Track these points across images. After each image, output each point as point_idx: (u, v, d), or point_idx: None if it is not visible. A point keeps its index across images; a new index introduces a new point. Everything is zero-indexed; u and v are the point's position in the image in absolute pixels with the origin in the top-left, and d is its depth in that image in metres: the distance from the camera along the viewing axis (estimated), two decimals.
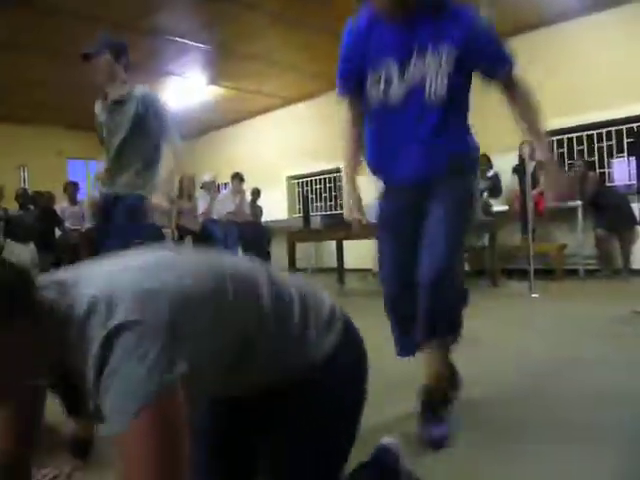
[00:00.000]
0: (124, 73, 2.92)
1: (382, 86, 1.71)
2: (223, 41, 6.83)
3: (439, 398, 1.74)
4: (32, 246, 4.87)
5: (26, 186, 7.76)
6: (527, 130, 1.80)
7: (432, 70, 1.65)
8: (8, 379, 0.79)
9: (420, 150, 1.73)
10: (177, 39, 6.62)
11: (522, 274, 5.60)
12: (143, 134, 2.83)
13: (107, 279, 0.83)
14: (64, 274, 0.88)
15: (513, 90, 1.76)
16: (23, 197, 5.93)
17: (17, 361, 0.78)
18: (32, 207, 5.71)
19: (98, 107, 2.99)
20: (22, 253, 4.73)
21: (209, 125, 11.01)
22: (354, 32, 1.78)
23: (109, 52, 2.85)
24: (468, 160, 1.83)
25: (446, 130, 1.72)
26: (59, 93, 7.97)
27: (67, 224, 5.67)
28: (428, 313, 1.68)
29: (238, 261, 1.06)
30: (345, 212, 1.91)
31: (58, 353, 0.81)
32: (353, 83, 1.82)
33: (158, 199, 2.83)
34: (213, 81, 8.35)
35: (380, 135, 1.82)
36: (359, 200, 1.90)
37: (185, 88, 8.44)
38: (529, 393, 2.15)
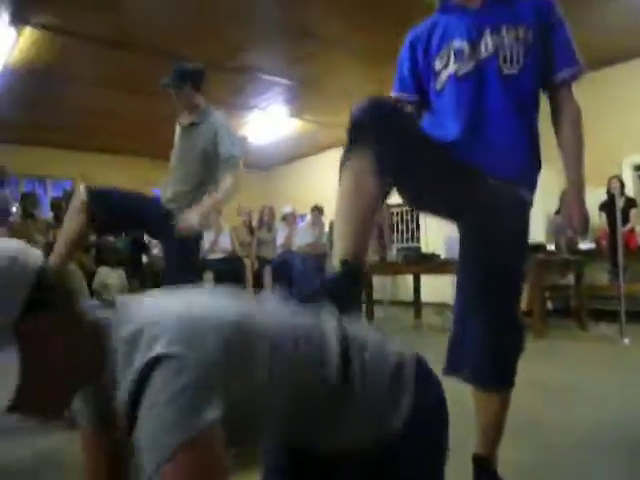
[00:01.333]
0: (201, 97, 3.01)
1: (452, 60, 1.58)
2: (306, 77, 7.04)
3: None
4: (122, 272, 5.13)
5: None
6: (566, 150, 1.61)
7: (507, 43, 1.53)
8: (46, 380, 0.79)
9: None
10: (263, 76, 6.88)
11: (612, 316, 5.30)
12: (207, 161, 2.88)
13: (159, 307, 0.82)
14: (125, 298, 0.89)
15: (566, 103, 1.61)
16: None
17: (56, 362, 0.78)
18: (123, 235, 6.04)
19: (177, 130, 3.09)
20: (112, 278, 4.99)
21: (289, 156, 11.31)
22: (414, 33, 1.72)
23: (188, 83, 2.95)
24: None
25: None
26: (142, 125, 8.44)
27: (155, 251, 5.96)
28: (486, 358, 1.52)
29: (304, 312, 0.99)
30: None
31: (99, 369, 0.81)
32: (413, 79, 1.70)
33: (190, 215, 2.75)
34: (295, 114, 8.59)
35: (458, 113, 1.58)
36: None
37: (268, 121, 8.74)
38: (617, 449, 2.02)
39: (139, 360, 0.74)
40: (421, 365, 1.04)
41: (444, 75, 1.60)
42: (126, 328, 0.79)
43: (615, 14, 5.40)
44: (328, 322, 0.96)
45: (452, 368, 1.60)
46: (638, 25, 5.61)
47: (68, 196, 6.73)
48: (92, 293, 5.03)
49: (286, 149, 10.62)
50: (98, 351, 0.81)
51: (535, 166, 1.61)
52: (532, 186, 1.60)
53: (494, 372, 1.53)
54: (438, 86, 1.62)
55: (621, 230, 4.97)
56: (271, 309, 0.94)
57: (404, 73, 1.73)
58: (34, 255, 0.80)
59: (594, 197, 6.25)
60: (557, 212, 6.27)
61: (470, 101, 1.55)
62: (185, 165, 2.95)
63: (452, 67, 1.58)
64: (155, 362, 0.72)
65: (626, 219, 5.93)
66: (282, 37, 5.81)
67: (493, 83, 1.54)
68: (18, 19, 5.19)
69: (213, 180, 2.90)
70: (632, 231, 6.08)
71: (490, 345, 1.50)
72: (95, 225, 2.65)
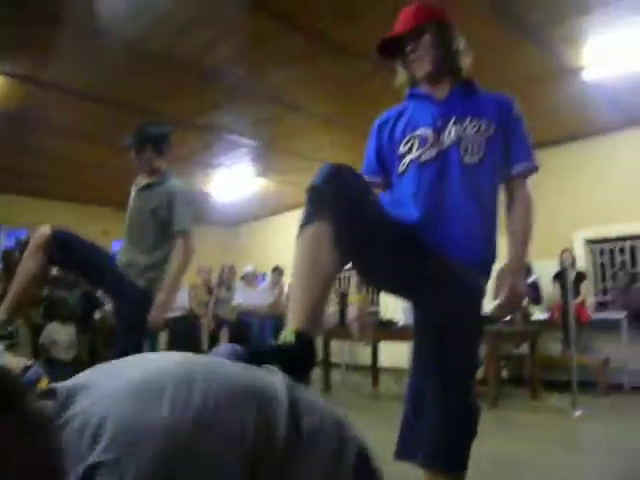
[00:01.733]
0: (163, 161, 2.99)
1: (416, 147, 1.64)
2: (271, 138, 7.19)
3: None
4: (71, 328, 4.97)
5: None
6: (513, 237, 1.65)
7: (469, 134, 1.59)
8: None
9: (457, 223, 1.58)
10: (230, 135, 6.99)
11: (564, 386, 5.37)
12: (161, 223, 2.85)
13: (103, 399, 0.79)
14: (74, 381, 0.86)
15: (519, 192, 1.67)
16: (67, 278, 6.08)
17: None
18: (76, 289, 5.89)
19: (132, 191, 3.06)
20: (61, 334, 4.82)
21: (253, 215, 11.36)
22: (383, 118, 1.79)
23: (149, 146, 2.93)
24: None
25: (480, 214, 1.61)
26: (107, 175, 8.40)
27: (107, 307, 5.80)
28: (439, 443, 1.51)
29: (254, 376, 0.96)
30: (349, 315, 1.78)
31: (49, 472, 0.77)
32: (378, 163, 1.76)
33: (158, 309, 2.75)
34: (260, 173, 8.70)
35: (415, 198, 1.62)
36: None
37: (234, 179, 8.81)
38: None
39: (81, 465, 0.72)
40: (365, 460, 1.01)
41: (407, 160, 1.65)
42: (71, 425, 0.77)
43: (563, 97, 5.74)
44: (279, 390, 0.94)
45: (405, 453, 1.59)
46: (584, 108, 5.96)
47: (22, 246, 6.56)
48: (38, 349, 4.84)
49: (250, 207, 10.67)
50: (45, 454, 0.77)
51: (491, 254, 1.64)
52: (487, 274, 1.63)
53: (447, 457, 1.51)
54: (401, 169, 1.67)
55: (572, 302, 5.11)
56: (219, 375, 0.91)
57: (370, 155, 1.80)
58: None
59: (547, 268, 6.47)
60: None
61: (431, 187, 1.59)
62: (138, 228, 2.92)
63: (415, 153, 1.63)
64: (93, 469, 0.71)
65: (577, 292, 6.12)
66: (249, 100, 5.95)
67: (454, 171, 1.59)
68: None
69: (167, 245, 2.87)
70: (583, 304, 6.27)
71: (443, 430, 1.49)
72: (53, 263, 2.61)
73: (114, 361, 0.94)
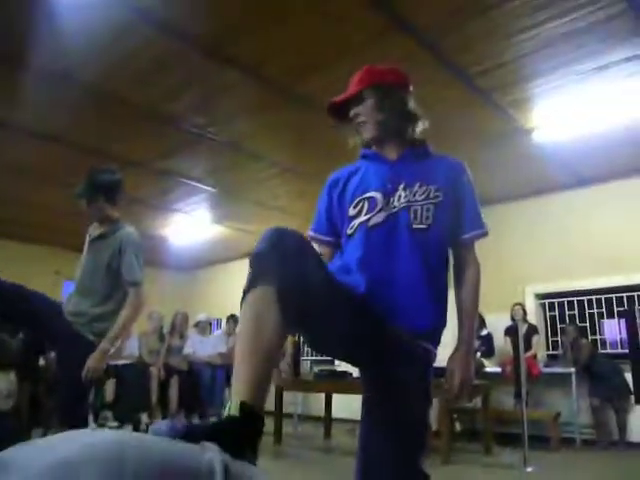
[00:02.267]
0: (114, 210, 2.93)
1: (365, 210, 1.62)
2: (229, 185, 7.20)
3: None
4: (12, 375, 4.73)
5: None
6: (460, 312, 1.65)
7: (418, 199, 1.59)
8: None
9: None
10: (187, 181, 6.97)
11: (516, 439, 5.38)
12: (113, 274, 2.79)
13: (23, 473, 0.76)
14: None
15: (467, 260, 1.67)
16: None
17: None
18: (20, 334, 5.63)
19: (86, 240, 2.98)
20: (0, 382, 4.58)
21: (209, 260, 11.25)
22: (334, 177, 1.78)
23: (101, 195, 2.87)
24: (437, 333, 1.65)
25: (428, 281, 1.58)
26: (60, 216, 8.21)
27: (52, 354, 5.55)
28: None
29: (188, 455, 0.93)
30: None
31: None
32: (328, 222, 1.75)
33: (97, 357, 2.65)
34: (217, 220, 8.66)
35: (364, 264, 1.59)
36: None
37: (191, 224, 8.74)
38: None
39: None
40: None
41: (356, 222, 1.63)
42: None
43: (515, 157, 5.98)
44: (215, 469, 0.90)
45: None
46: (536, 167, 6.23)
47: None
48: None
49: (207, 253, 10.58)
50: None
51: (441, 321, 1.62)
52: (437, 341, 1.61)
53: None
54: (349, 231, 1.65)
55: (524, 356, 5.18)
56: (152, 455, 0.86)
57: (320, 213, 1.77)
58: None
59: (499, 322, 6.58)
60: None
61: (379, 253, 1.57)
62: (89, 278, 2.84)
63: (364, 217, 1.61)
64: None
65: (529, 345, 6.22)
66: (209, 147, 5.97)
67: (402, 236, 1.57)
68: None
69: (119, 294, 2.80)
70: (534, 357, 6.37)
71: None
72: None
73: (40, 439, 0.90)
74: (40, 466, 0.77)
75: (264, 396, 1.22)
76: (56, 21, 3.87)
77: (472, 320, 1.64)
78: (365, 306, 1.50)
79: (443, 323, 1.62)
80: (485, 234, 1.68)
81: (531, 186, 6.83)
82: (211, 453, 0.94)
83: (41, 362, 5.64)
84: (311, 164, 6.19)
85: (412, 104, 1.70)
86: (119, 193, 2.96)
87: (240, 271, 10.97)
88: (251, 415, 1.14)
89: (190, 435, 1.02)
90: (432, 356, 1.60)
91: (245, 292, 1.29)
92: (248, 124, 5.46)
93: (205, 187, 7.19)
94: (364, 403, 1.61)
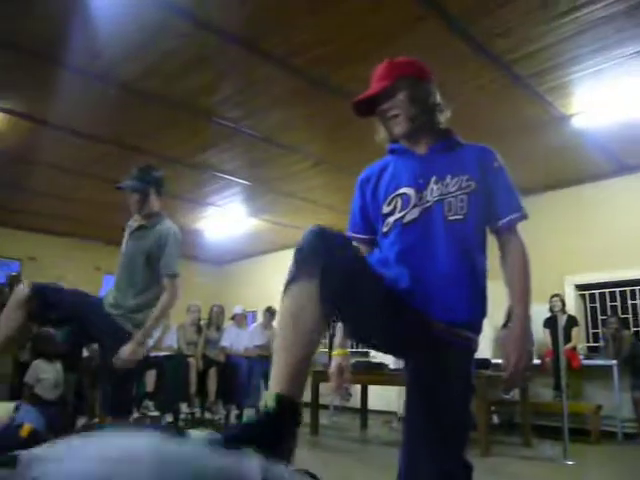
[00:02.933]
0: (157, 202, 3.02)
1: (399, 207, 1.62)
2: (263, 179, 7.25)
3: None
4: (58, 365, 4.87)
5: None
6: (511, 294, 1.61)
7: (451, 191, 1.58)
8: None
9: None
10: (222, 175, 7.04)
11: (555, 432, 5.31)
12: (152, 266, 2.86)
13: (65, 472, 0.80)
14: (38, 453, 0.86)
15: (511, 243, 1.63)
16: None
17: None
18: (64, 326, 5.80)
19: (125, 233, 3.07)
20: (47, 372, 4.73)
21: (244, 254, 11.36)
22: (365, 174, 1.77)
23: (153, 188, 2.98)
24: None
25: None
26: (99, 211, 8.44)
27: (95, 345, 5.70)
28: None
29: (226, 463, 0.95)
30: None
31: None
32: (363, 221, 1.75)
33: (132, 348, 2.72)
34: (252, 213, 8.73)
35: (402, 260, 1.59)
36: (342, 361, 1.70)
37: (225, 218, 8.85)
38: None
39: None
40: None
41: (391, 220, 1.62)
42: None
43: (554, 144, 5.85)
44: (251, 473, 0.92)
45: None
46: (575, 155, 6.08)
47: (12, 280, 6.51)
48: (23, 386, 4.74)
49: (241, 246, 10.68)
50: None
51: (480, 312, 1.60)
52: (477, 330, 1.60)
53: None
54: (385, 229, 1.64)
55: (563, 348, 5.10)
56: (191, 464, 0.89)
57: (355, 213, 1.78)
58: None
59: (537, 313, 6.46)
60: (504, 325, 6.41)
61: (416, 247, 1.57)
62: (128, 269, 2.92)
63: (399, 213, 1.61)
64: None
65: (568, 337, 6.11)
66: (243, 141, 6.01)
67: (439, 229, 1.56)
68: None
69: (156, 286, 2.86)
70: (574, 349, 6.25)
71: None
72: (34, 321, 2.61)
73: (80, 437, 0.93)
74: (80, 466, 0.80)
75: (302, 387, 1.24)
76: (92, 22, 3.95)
77: (524, 302, 1.59)
78: (405, 298, 1.50)
79: (484, 313, 1.61)
80: (523, 217, 1.64)
81: (570, 174, 6.67)
82: (250, 461, 0.95)
83: (84, 353, 5.80)
84: (345, 156, 6.18)
85: (437, 95, 1.69)
86: (161, 186, 3.05)
87: (275, 264, 11.10)
88: (288, 406, 1.16)
89: (229, 441, 1.03)
90: (474, 345, 1.59)
91: (287, 285, 1.31)
92: (282, 116, 5.48)
93: (240, 180, 7.25)
94: (407, 394, 1.61)
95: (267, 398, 1.18)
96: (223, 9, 3.88)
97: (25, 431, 1.79)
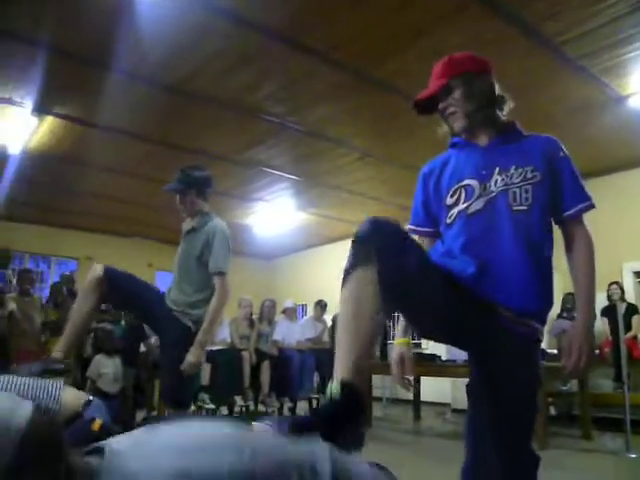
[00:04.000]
0: (205, 203, 3.07)
1: (463, 198, 1.63)
2: (309, 173, 7.29)
3: None
4: (117, 360, 5.05)
5: None
6: (576, 287, 1.59)
7: (516, 182, 1.57)
8: None
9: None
10: (270, 170, 7.12)
11: (615, 423, 5.15)
12: (202, 265, 2.92)
13: (150, 462, 0.81)
14: (121, 441, 0.89)
15: (577, 235, 1.61)
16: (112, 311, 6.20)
17: None
18: (122, 322, 6.01)
19: (182, 233, 3.14)
20: (107, 367, 4.90)
21: (293, 248, 11.45)
22: (428, 168, 1.78)
23: (193, 190, 3.01)
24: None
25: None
26: (151, 210, 8.69)
27: (152, 340, 5.88)
28: None
29: (295, 450, 0.95)
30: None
31: None
32: (426, 214, 1.76)
33: (195, 352, 2.79)
34: (300, 207, 8.79)
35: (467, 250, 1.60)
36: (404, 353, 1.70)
37: (273, 213, 8.95)
38: None
39: None
40: None
41: (455, 211, 1.63)
42: None
43: (611, 126, 5.64)
44: (321, 463, 0.92)
45: None
46: (632, 137, 5.85)
47: (66, 280, 6.77)
48: (85, 380, 4.93)
49: (290, 241, 10.76)
50: None
51: (546, 301, 1.59)
52: (543, 321, 1.59)
53: None
54: (448, 220, 1.65)
55: (623, 337, 4.93)
56: (263, 448, 0.90)
57: (417, 206, 1.79)
58: (19, 413, 0.78)
59: (597, 302, 6.26)
60: (559, 316, 6.26)
61: (481, 238, 1.57)
62: (184, 270, 2.99)
63: (463, 204, 1.62)
64: None
65: (628, 326, 5.90)
66: (289, 136, 6.06)
67: (503, 220, 1.56)
68: (41, 109, 5.45)
69: (209, 285, 2.92)
70: (635, 339, 6.03)
71: None
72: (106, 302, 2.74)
73: (159, 426, 0.96)
74: (162, 455, 0.83)
75: (365, 374, 1.27)
76: (138, 27, 4.05)
77: (588, 293, 1.57)
78: (468, 288, 1.51)
79: (550, 303, 1.60)
80: (590, 207, 1.61)
81: (629, 156, 6.42)
82: (319, 447, 0.96)
83: (142, 348, 5.98)
84: (390, 148, 6.15)
85: (497, 88, 1.68)
86: (209, 187, 3.10)
87: (323, 257, 11.13)
88: (352, 393, 1.17)
89: (296, 429, 1.06)
90: (540, 335, 1.58)
91: (346, 273, 1.33)
92: (327, 110, 5.48)
93: (287, 175, 7.31)
94: (471, 385, 1.62)
95: (332, 386, 1.20)
96: (265, 8, 3.92)
97: (97, 425, 1.87)
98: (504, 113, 1.68)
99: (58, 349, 2.62)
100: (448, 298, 1.46)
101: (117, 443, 0.89)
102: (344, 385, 1.18)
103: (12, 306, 5.59)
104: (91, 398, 2.04)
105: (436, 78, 1.69)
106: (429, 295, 1.42)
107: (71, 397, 2.00)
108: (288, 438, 0.98)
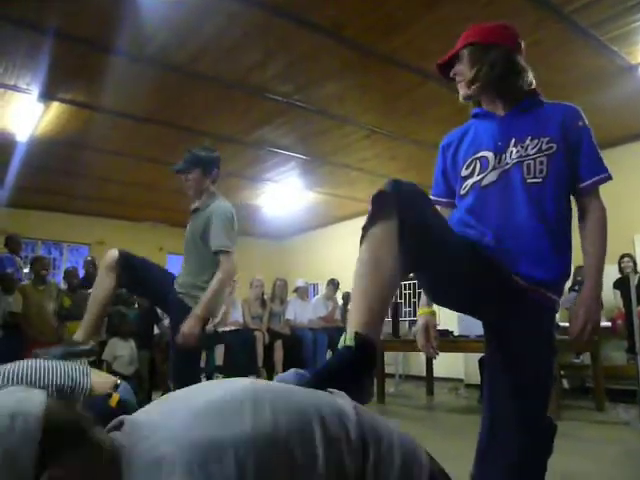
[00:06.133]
0: (212, 184, 3.04)
1: (477, 170, 1.62)
2: (317, 152, 7.25)
3: None
4: (132, 343, 5.11)
5: None
6: (586, 256, 1.58)
7: (531, 153, 1.56)
8: None
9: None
10: (277, 150, 7.09)
11: (628, 395, 5.16)
12: (206, 245, 2.88)
13: (171, 427, 0.80)
14: (140, 415, 0.89)
15: (591, 206, 1.60)
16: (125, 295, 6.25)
17: None
18: (135, 305, 6.06)
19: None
20: (123, 349, 4.97)
21: (303, 228, 11.46)
22: (447, 140, 1.78)
23: (198, 169, 2.98)
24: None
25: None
26: (160, 194, 8.73)
27: (165, 322, 5.93)
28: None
29: (318, 398, 0.95)
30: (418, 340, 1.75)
31: None
32: (445, 185, 1.77)
33: (189, 323, 2.70)
34: (309, 187, 8.77)
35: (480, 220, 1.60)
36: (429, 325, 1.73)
37: (282, 193, 8.94)
38: None
39: None
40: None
41: (469, 182, 1.63)
42: (140, 458, 0.78)
43: (622, 96, 5.56)
44: (347, 410, 0.92)
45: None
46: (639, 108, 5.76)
47: (87, 264, 6.86)
48: (101, 363, 5.01)
49: (299, 220, 10.77)
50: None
51: (563, 272, 1.58)
52: (559, 292, 1.59)
53: (525, 476, 1.49)
54: (462, 192, 1.65)
55: (637, 309, 4.91)
56: (285, 397, 0.91)
57: (437, 178, 1.79)
58: (34, 401, 0.78)
59: (606, 275, 6.20)
60: (571, 289, 6.23)
61: (495, 210, 1.57)
62: (188, 250, 2.99)
63: (477, 176, 1.61)
64: None
65: None
66: (297, 115, 6.02)
67: (517, 192, 1.55)
68: (47, 95, 5.45)
69: (213, 265, 2.87)
70: None
71: (521, 450, 1.48)
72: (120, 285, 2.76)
73: (178, 391, 0.97)
74: (186, 418, 0.83)
75: (379, 330, 1.24)
76: (141, 9, 4.02)
77: (597, 263, 1.57)
78: (485, 256, 1.50)
79: (567, 274, 1.59)
80: (607, 178, 1.60)
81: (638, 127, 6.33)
82: (342, 398, 0.96)
83: (156, 331, 6.04)
84: (398, 124, 6.09)
85: (518, 58, 1.64)
86: (216, 168, 3.07)
87: (333, 236, 11.13)
88: (364, 344, 1.16)
89: (317, 380, 1.07)
90: (556, 305, 1.58)
91: (364, 229, 1.31)
92: (333, 88, 5.44)
93: (295, 155, 7.29)
94: (487, 356, 1.63)
95: (345, 337, 1.19)
96: None
97: (114, 401, 1.87)
98: (525, 83, 1.64)
99: (79, 332, 2.63)
100: (468, 262, 1.45)
101: (141, 415, 0.90)
102: (357, 336, 1.16)
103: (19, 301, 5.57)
104: (119, 381, 2.04)
105: (457, 44, 1.69)
106: (449, 257, 1.41)
107: (100, 380, 2.00)
108: (311, 390, 0.99)
